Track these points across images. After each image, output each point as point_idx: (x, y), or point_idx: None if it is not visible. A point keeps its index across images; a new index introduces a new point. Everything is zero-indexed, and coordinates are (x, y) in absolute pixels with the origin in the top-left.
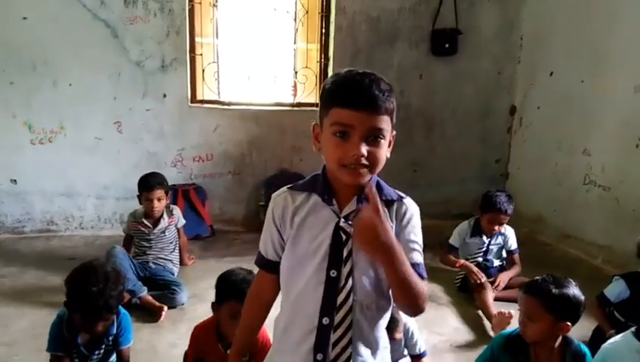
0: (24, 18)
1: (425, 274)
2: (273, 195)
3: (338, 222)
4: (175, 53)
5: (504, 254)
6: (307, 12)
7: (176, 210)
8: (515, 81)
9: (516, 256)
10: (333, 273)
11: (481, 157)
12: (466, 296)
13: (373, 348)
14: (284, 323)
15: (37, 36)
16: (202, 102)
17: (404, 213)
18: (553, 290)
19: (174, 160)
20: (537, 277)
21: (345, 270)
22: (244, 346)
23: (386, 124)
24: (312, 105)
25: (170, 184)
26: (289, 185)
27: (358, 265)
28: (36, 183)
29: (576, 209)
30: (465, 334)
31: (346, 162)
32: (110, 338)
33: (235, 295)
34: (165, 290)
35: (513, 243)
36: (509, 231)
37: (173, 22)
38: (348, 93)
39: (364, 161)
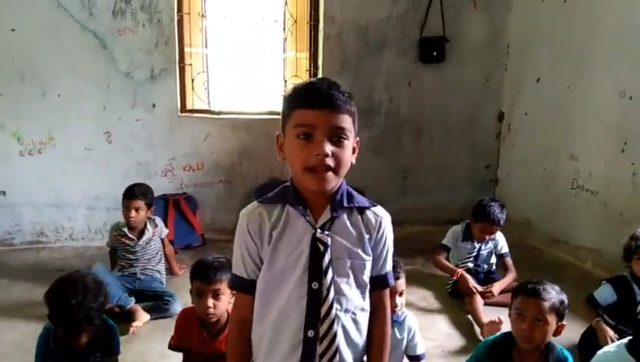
0: (12, 30)
1: (392, 282)
2: (243, 211)
3: (315, 233)
4: (164, 63)
5: (493, 259)
6: (296, 21)
7: (159, 221)
8: (503, 88)
9: (508, 260)
10: (315, 285)
11: (470, 164)
12: (458, 302)
13: (357, 352)
14: (268, 341)
15: (25, 47)
16: (192, 111)
17: (379, 224)
18: (555, 292)
19: (165, 169)
20: (532, 281)
21: (326, 280)
22: None
23: (347, 123)
24: None
25: (160, 194)
26: (259, 199)
27: (338, 273)
28: (25, 194)
29: (565, 213)
30: (456, 340)
31: (311, 164)
32: (97, 350)
33: (198, 275)
34: (158, 301)
35: (504, 247)
36: (498, 235)
37: (162, 32)
38: (309, 95)
39: (328, 162)
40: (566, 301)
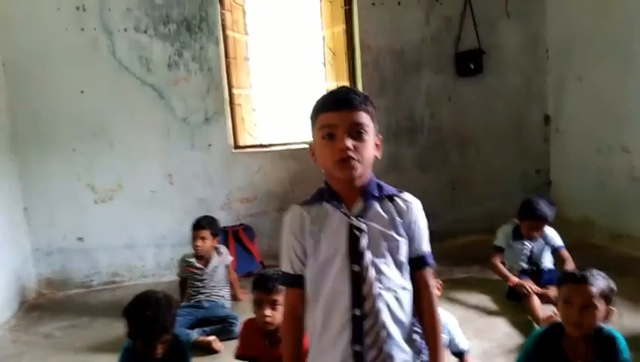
0: (82, 92)
1: (432, 262)
2: (286, 214)
3: (350, 221)
4: (216, 105)
5: (549, 257)
6: (334, 53)
7: (223, 249)
8: (546, 92)
9: (564, 251)
10: (356, 267)
11: (521, 169)
12: (516, 304)
13: (405, 330)
14: (321, 322)
15: (94, 106)
16: (244, 147)
17: (409, 208)
18: (602, 278)
19: (223, 203)
20: (578, 270)
21: (366, 262)
22: (295, 357)
23: (365, 120)
24: None
25: (220, 226)
26: (299, 203)
27: (376, 255)
28: (100, 239)
29: (625, 207)
30: (516, 338)
31: (337, 157)
32: None
33: (258, 286)
34: (224, 323)
35: (557, 240)
36: (549, 230)
37: (212, 78)
38: (329, 100)
39: (351, 154)
40: (614, 286)
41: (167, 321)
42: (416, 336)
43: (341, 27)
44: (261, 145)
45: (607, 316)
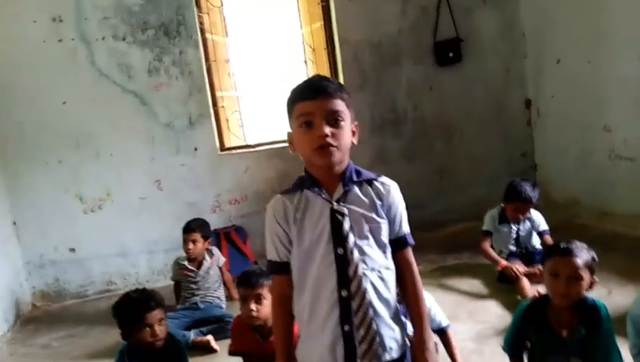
0: (64, 102)
1: (412, 242)
2: (269, 204)
3: (332, 206)
4: (200, 109)
5: (536, 239)
6: (314, 50)
7: (215, 251)
8: (525, 75)
9: (548, 238)
10: (340, 250)
11: (506, 154)
12: (506, 286)
13: (391, 308)
14: (309, 306)
15: (77, 116)
16: (230, 149)
17: (387, 191)
18: (585, 249)
19: (212, 206)
20: (561, 242)
21: (349, 245)
22: (285, 344)
23: (342, 106)
24: None
25: (212, 229)
26: (280, 191)
27: (358, 237)
28: (93, 249)
29: (608, 185)
30: (508, 319)
31: (316, 145)
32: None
33: (242, 282)
34: (220, 323)
35: (542, 224)
36: (534, 214)
37: (194, 82)
38: (305, 89)
39: (329, 140)
40: (595, 257)
41: (154, 297)
42: (400, 316)
43: (319, 23)
44: (247, 146)
45: (591, 286)
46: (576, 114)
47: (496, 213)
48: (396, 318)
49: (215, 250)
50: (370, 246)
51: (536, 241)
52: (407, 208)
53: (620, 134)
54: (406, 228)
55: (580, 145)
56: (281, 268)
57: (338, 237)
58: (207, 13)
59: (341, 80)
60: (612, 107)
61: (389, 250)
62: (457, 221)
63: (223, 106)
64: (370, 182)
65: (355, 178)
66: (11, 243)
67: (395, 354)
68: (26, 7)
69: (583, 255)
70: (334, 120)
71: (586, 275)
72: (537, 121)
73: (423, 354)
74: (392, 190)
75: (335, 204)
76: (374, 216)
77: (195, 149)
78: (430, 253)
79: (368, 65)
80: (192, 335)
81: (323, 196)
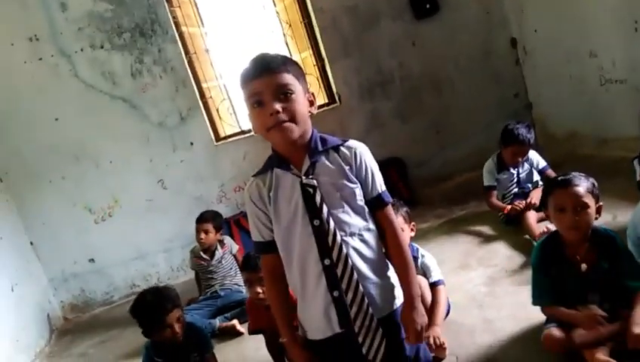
0: (56, 119)
1: (390, 199)
2: (245, 188)
3: (301, 180)
4: (188, 103)
5: (537, 177)
6: (290, 25)
7: (227, 239)
8: (506, 15)
9: (550, 172)
10: (317, 222)
11: (498, 97)
12: (512, 228)
13: (376, 267)
14: (300, 279)
15: (71, 131)
16: (226, 138)
17: (354, 154)
18: (584, 177)
19: (218, 196)
20: (558, 175)
21: (324, 215)
22: (285, 315)
23: (289, 79)
24: (322, 106)
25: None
26: (253, 174)
27: (332, 206)
28: (111, 256)
29: (604, 111)
30: (517, 259)
31: (270, 123)
32: (194, 350)
33: (246, 266)
34: (243, 306)
35: (540, 162)
36: (531, 153)
37: (177, 77)
38: (250, 69)
39: (282, 117)
40: (595, 183)
41: (169, 297)
42: (389, 272)
43: None
44: (242, 132)
45: (598, 211)
46: (561, 43)
47: (493, 164)
48: (385, 275)
49: (227, 238)
50: (346, 213)
51: (537, 178)
52: (409, 167)
53: (607, 57)
54: (380, 187)
55: (570, 74)
56: (268, 248)
57: (312, 210)
58: (179, 7)
59: (322, 50)
60: (595, 31)
61: (367, 212)
62: (460, 172)
63: (211, 97)
64: (336, 148)
65: (320, 147)
66: (33, 262)
67: (387, 311)
68: (0, 31)
69: (583, 183)
70: (283, 94)
71: (591, 202)
72: (525, 58)
73: (410, 312)
74: (359, 152)
75: (304, 177)
76: (345, 182)
77: (191, 144)
78: (437, 207)
79: (348, 31)
80: (217, 322)
81: (292, 172)
